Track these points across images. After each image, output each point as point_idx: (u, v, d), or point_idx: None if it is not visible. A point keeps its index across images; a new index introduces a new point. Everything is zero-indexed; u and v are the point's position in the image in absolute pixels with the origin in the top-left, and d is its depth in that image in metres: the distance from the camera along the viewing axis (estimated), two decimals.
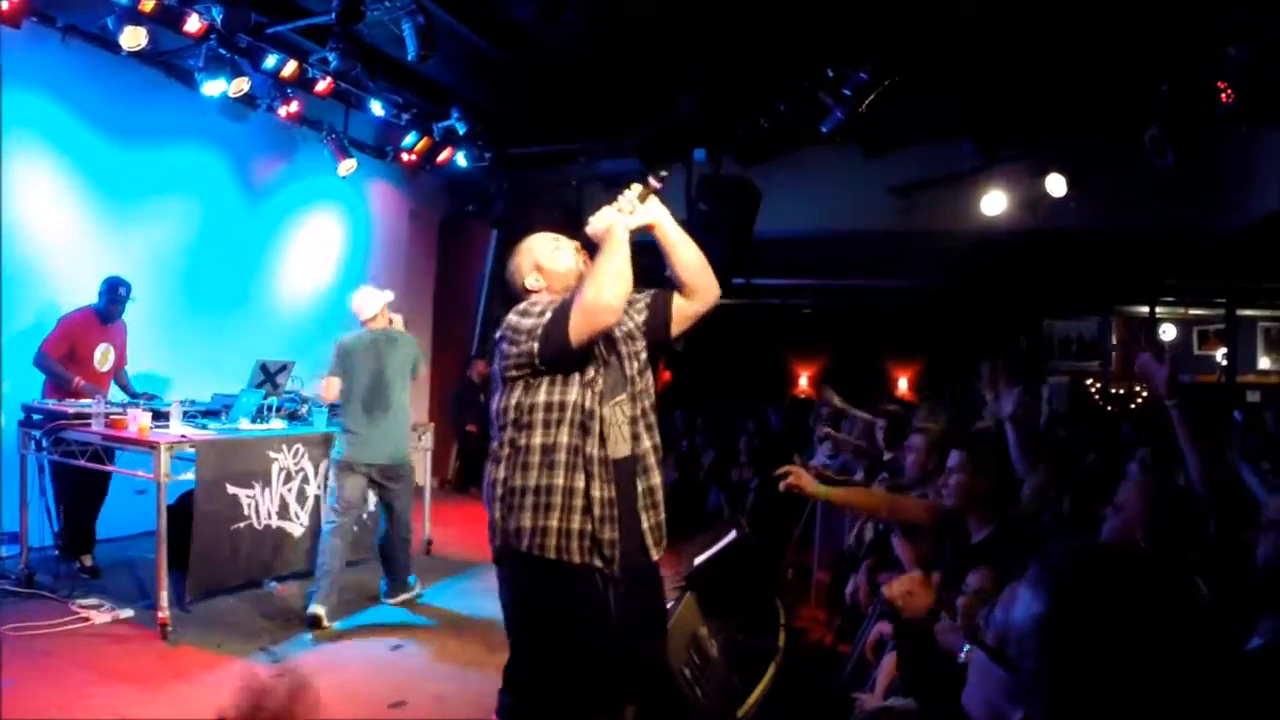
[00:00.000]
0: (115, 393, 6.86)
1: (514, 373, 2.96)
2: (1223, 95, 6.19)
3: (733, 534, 6.36)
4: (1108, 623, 1.16)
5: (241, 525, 5.98)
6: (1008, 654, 1.24)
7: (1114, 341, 17.80)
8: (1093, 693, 1.15)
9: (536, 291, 3.15)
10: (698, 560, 6.27)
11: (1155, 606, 1.18)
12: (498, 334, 3.03)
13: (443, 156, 10.00)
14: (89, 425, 5.75)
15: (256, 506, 6.10)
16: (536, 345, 2.89)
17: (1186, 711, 1.15)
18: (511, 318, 2.99)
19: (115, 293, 6.70)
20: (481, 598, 6.70)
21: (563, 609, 2.92)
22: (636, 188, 3.05)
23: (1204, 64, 6.32)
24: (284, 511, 6.33)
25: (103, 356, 6.73)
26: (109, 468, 5.92)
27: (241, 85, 7.50)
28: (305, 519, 6.53)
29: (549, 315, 2.91)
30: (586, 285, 2.88)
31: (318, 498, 6.62)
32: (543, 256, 3.22)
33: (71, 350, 6.55)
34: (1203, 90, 6.38)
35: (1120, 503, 3.00)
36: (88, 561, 6.45)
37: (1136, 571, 1.24)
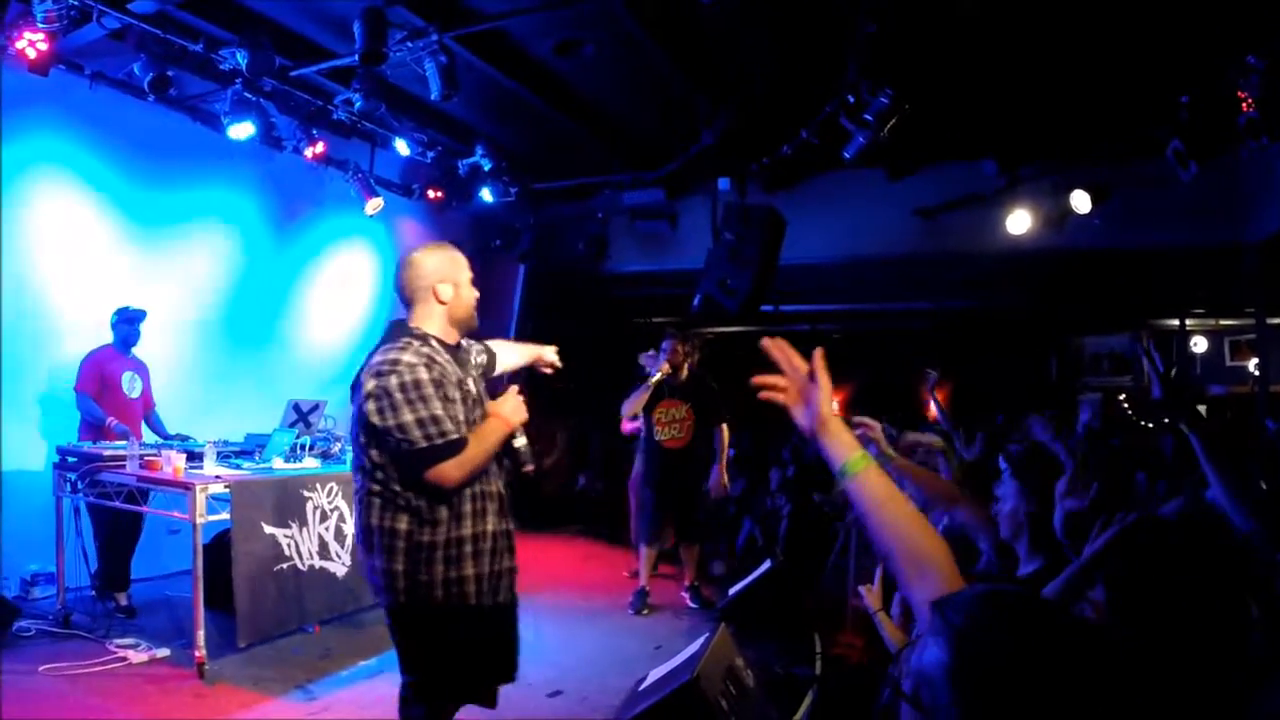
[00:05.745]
0: (148, 434, 6.94)
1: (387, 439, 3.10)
2: (1244, 105, 6.15)
3: (766, 564, 6.34)
4: (1006, 666, 1.22)
5: (285, 566, 5.97)
6: (922, 698, 1.29)
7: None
8: None
9: (442, 302, 3.30)
10: (732, 591, 6.26)
11: (1048, 648, 1.24)
12: (370, 379, 3.10)
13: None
14: (124, 467, 5.81)
15: (297, 546, 6.08)
16: (397, 454, 3.08)
17: None
18: (389, 384, 3.05)
19: (126, 318, 6.87)
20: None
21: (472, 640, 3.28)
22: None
23: (1224, 75, 6.29)
24: (324, 551, 6.31)
25: (130, 383, 6.88)
26: (144, 509, 5.97)
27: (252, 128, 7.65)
28: (346, 559, 6.52)
29: (414, 436, 3.03)
30: (470, 459, 3.10)
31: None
32: (464, 279, 3.38)
33: (101, 381, 6.71)
34: (1223, 101, 6.35)
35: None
36: (123, 601, 6.52)
37: (1031, 614, 1.30)
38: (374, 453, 3.11)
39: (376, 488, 3.12)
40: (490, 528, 3.25)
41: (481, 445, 3.16)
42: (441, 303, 3.29)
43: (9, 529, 6.46)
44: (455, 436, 3.05)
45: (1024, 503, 3.45)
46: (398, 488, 3.09)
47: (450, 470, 3.04)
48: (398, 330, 3.25)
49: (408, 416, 3.00)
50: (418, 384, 3.03)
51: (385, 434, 3.04)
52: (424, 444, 3.01)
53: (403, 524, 3.09)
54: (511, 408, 3.33)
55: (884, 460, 3.80)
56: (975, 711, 1.21)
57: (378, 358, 3.11)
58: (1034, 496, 3.46)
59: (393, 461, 3.09)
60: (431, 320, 3.29)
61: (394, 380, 3.02)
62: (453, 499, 3.13)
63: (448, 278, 3.30)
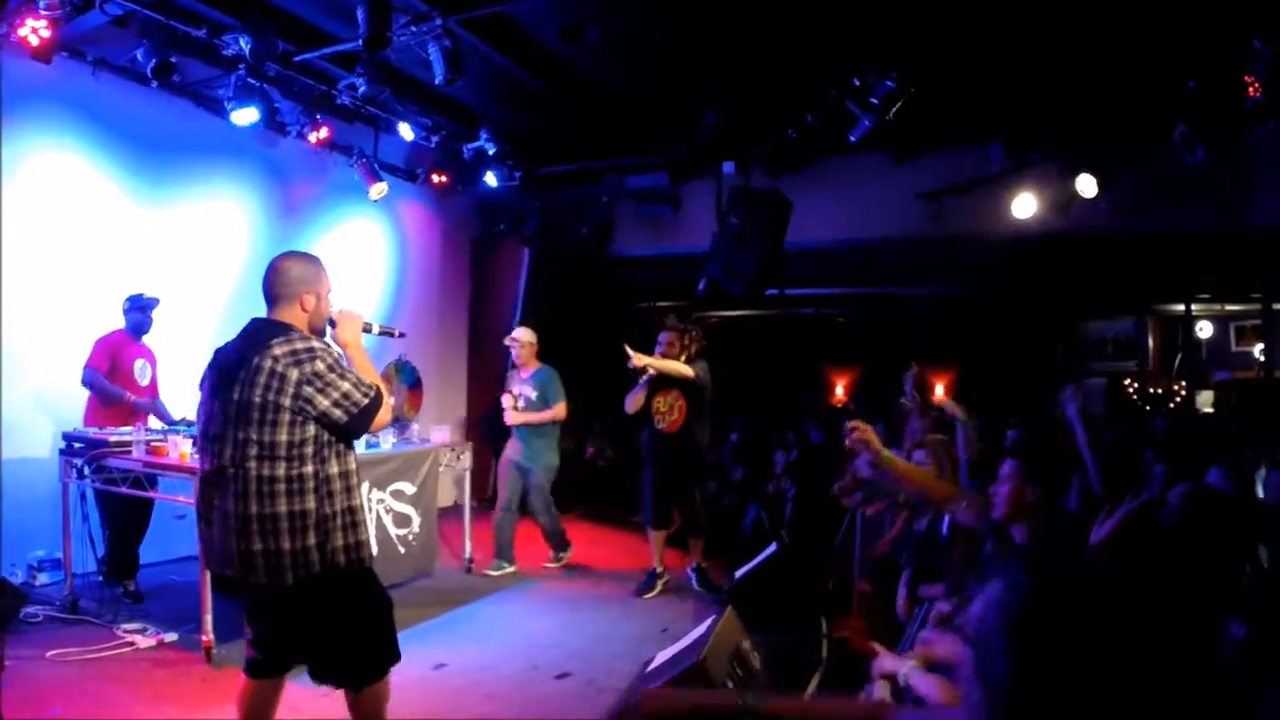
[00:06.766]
0: (152, 420, 6.94)
1: (322, 421, 3.34)
2: (1250, 89, 6.13)
3: (773, 547, 6.35)
4: (1057, 629, 1.31)
5: None
6: (976, 637, 1.41)
7: (1150, 341, 17.62)
8: (1038, 685, 1.30)
9: (305, 310, 3.52)
10: (738, 574, 6.26)
11: (1101, 621, 1.31)
12: (293, 369, 3.28)
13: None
14: (130, 452, 5.82)
15: None
16: (347, 420, 3.36)
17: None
18: (318, 367, 3.32)
19: (139, 305, 6.82)
20: (524, 616, 6.72)
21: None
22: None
23: (1230, 59, 6.26)
24: None
25: (141, 371, 6.85)
26: (151, 494, 5.98)
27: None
28: None
29: (359, 399, 3.38)
30: (381, 392, 3.48)
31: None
32: (324, 291, 3.64)
33: (113, 365, 6.68)
34: (1230, 86, 6.33)
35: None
36: (130, 586, 6.53)
37: (1089, 588, 1.37)
38: (296, 433, 3.30)
39: (281, 472, 3.28)
40: (358, 502, 3.52)
41: (375, 376, 3.56)
42: (304, 310, 3.52)
43: (16, 515, 6.48)
44: (376, 386, 3.46)
45: (1028, 488, 3.44)
46: (310, 469, 3.31)
47: (384, 411, 3.49)
48: (280, 326, 3.45)
49: (346, 385, 3.35)
50: (337, 360, 3.39)
51: (333, 408, 3.33)
52: (365, 400, 3.38)
53: (310, 503, 3.31)
54: (350, 329, 3.69)
55: (881, 464, 3.83)
56: (1022, 661, 1.31)
57: (282, 349, 3.31)
58: (1039, 484, 3.45)
59: (340, 429, 3.37)
60: (293, 323, 3.50)
61: (320, 364, 3.31)
62: (337, 473, 3.41)
63: (313, 288, 3.55)
